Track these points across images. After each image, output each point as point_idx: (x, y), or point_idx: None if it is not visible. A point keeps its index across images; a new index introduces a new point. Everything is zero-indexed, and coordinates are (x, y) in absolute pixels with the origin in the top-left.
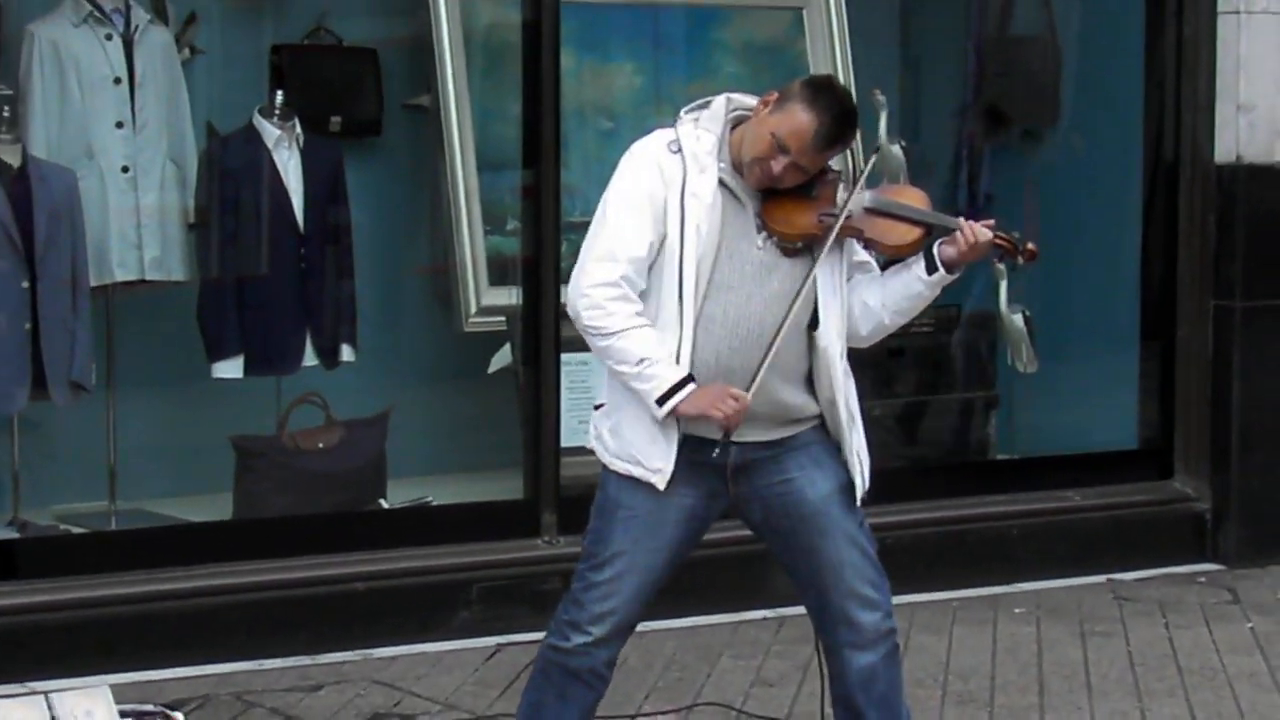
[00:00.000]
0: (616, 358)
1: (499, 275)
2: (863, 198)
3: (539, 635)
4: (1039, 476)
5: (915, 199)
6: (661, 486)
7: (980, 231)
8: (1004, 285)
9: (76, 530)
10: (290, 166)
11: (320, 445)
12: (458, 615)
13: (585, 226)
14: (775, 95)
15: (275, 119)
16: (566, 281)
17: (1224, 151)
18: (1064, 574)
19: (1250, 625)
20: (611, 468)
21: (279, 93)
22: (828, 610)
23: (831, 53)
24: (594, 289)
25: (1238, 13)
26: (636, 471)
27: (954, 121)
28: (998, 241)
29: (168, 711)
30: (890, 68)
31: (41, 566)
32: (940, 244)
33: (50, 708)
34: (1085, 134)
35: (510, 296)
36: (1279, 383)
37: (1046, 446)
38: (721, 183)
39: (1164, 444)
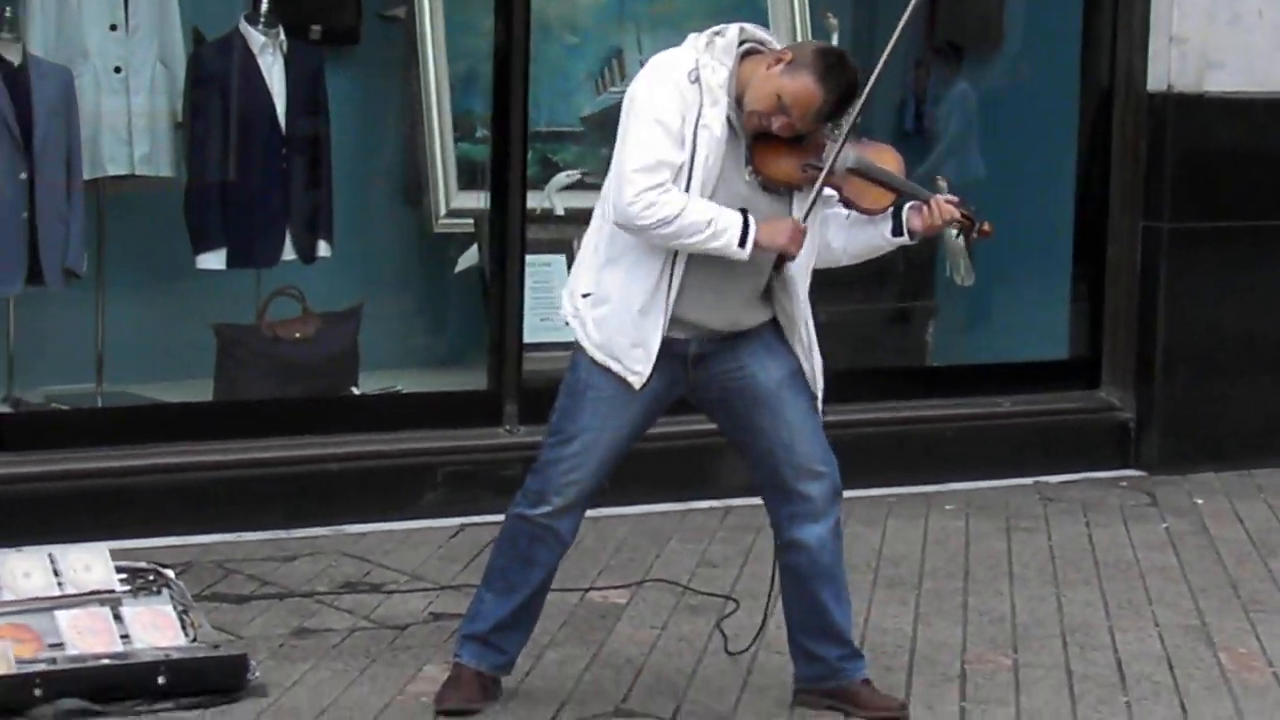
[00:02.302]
0: (687, 234)
1: (468, 180)
2: (846, 157)
3: (500, 517)
4: (973, 383)
5: (892, 163)
6: (638, 387)
7: (946, 209)
8: None
9: (66, 408)
10: (274, 72)
11: (296, 335)
12: (424, 496)
13: (550, 136)
14: (789, 55)
15: (260, 26)
16: (533, 187)
17: (1156, 81)
18: (993, 475)
19: (1165, 526)
20: (590, 355)
21: (264, 0)
22: (780, 485)
23: None
24: (641, 194)
25: None
26: (615, 367)
27: (901, 46)
28: (959, 218)
29: (159, 568)
30: None
31: (35, 440)
32: (908, 209)
33: (53, 561)
34: (1025, 61)
35: (478, 200)
36: (1203, 301)
37: (981, 355)
38: (727, 117)
39: (1092, 356)
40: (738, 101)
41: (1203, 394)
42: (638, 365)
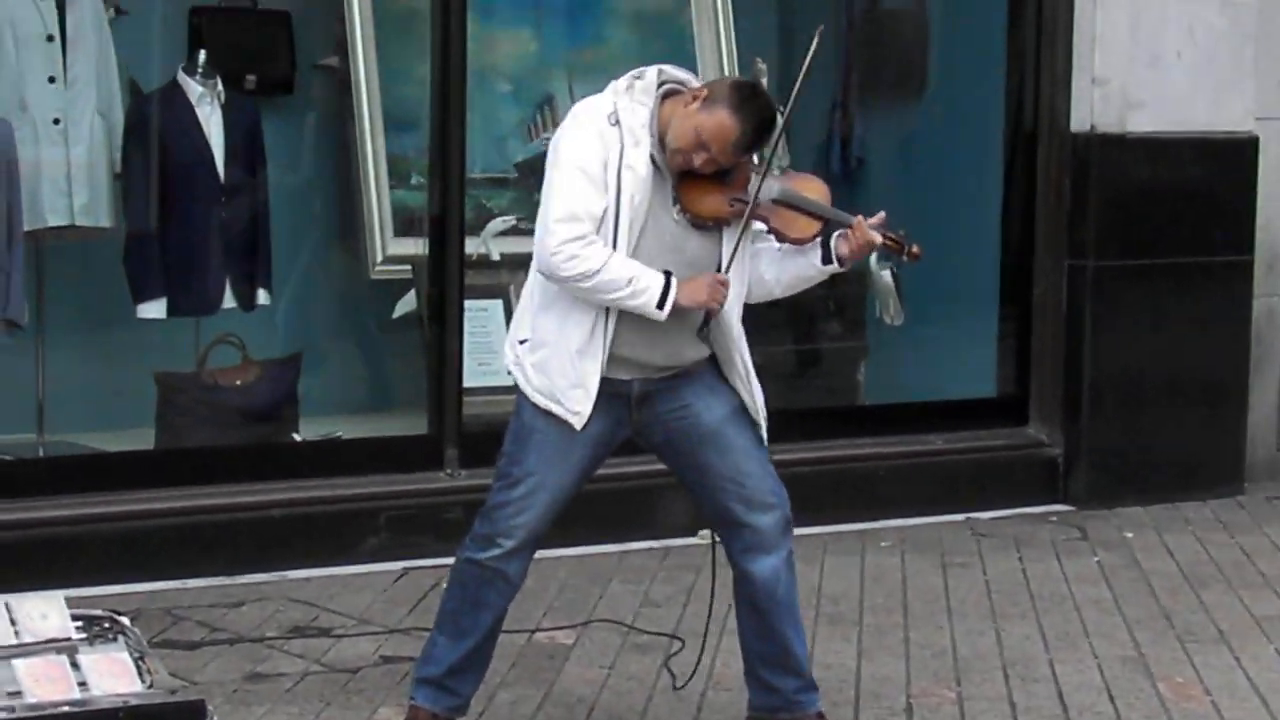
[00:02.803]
0: (607, 290)
1: (404, 227)
2: (771, 188)
3: (442, 560)
4: (905, 422)
5: (818, 192)
6: (579, 427)
7: (870, 233)
8: None
9: (9, 458)
10: (212, 122)
11: (237, 382)
12: (366, 541)
13: (484, 182)
14: (705, 91)
15: (199, 77)
16: (471, 233)
17: (1079, 121)
18: (926, 512)
19: (1097, 559)
20: (532, 400)
21: (202, 52)
22: (732, 519)
23: (716, 23)
24: (564, 245)
25: None
26: (556, 410)
27: (830, 88)
28: (886, 242)
29: (115, 616)
30: (770, 37)
31: None
32: (836, 237)
33: (9, 610)
34: (951, 102)
35: (415, 246)
36: (1127, 338)
37: (912, 394)
38: (651, 156)
39: (1020, 394)
40: (661, 141)
41: (1129, 429)
42: (577, 405)
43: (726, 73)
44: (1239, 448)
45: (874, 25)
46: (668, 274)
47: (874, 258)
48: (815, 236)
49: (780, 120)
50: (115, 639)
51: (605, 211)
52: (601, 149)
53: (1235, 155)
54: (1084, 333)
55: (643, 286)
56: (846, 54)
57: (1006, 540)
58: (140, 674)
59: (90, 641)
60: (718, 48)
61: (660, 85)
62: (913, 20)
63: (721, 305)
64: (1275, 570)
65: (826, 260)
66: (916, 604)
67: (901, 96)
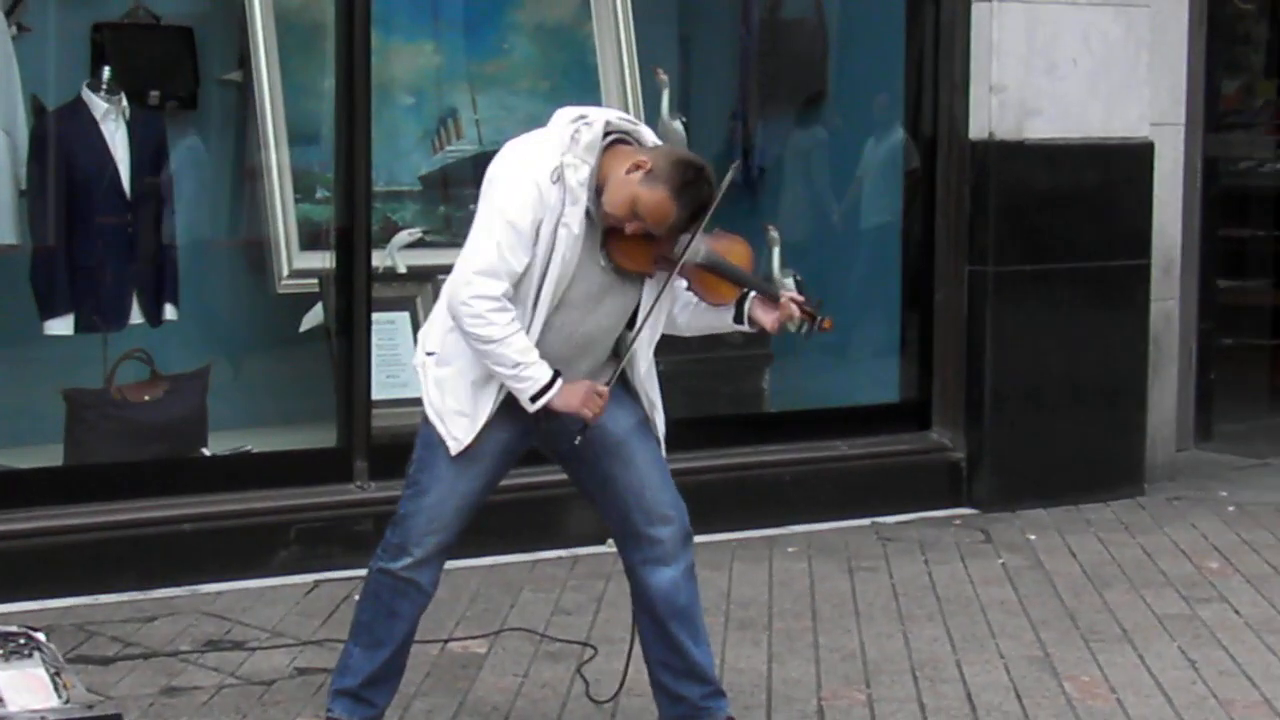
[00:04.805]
0: (494, 360)
1: (309, 241)
2: (698, 251)
3: (353, 572)
4: (809, 428)
5: (742, 258)
6: (454, 453)
7: (790, 309)
8: (776, 251)
9: None
10: (118, 138)
11: (146, 398)
12: (277, 554)
13: (389, 195)
14: (647, 164)
15: (103, 93)
16: (378, 246)
17: (978, 129)
18: (832, 517)
19: (1001, 561)
20: (428, 414)
21: (105, 68)
22: (631, 530)
23: (616, 34)
24: (477, 300)
25: (990, 0)
26: (439, 428)
27: (730, 98)
28: (800, 315)
29: (30, 631)
30: (671, 47)
31: None
32: (753, 300)
33: None
34: (850, 111)
35: (321, 260)
36: (1028, 342)
37: (816, 400)
38: (587, 211)
39: (922, 399)
40: (597, 193)
41: (1030, 432)
42: (459, 433)
43: (628, 86)
44: (1139, 449)
45: (774, 34)
46: (556, 373)
47: (777, 266)
48: (733, 300)
49: (715, 201)
50: (30, 655)
51: (532, 266)
52: (539, 207)
53: (1132, 161)
54: (985, 337)
55: (527, 375)
56: (745, 63)
57: (912, 544)
58: (57, 689)
59: (5, 658)
60: (619, 58)
61: (606, 136)
62: (811, 29)
63: (595, 416)
64: (1177, 570)
65: (738, 319)
66: (825, 608)
67: (801, 105)
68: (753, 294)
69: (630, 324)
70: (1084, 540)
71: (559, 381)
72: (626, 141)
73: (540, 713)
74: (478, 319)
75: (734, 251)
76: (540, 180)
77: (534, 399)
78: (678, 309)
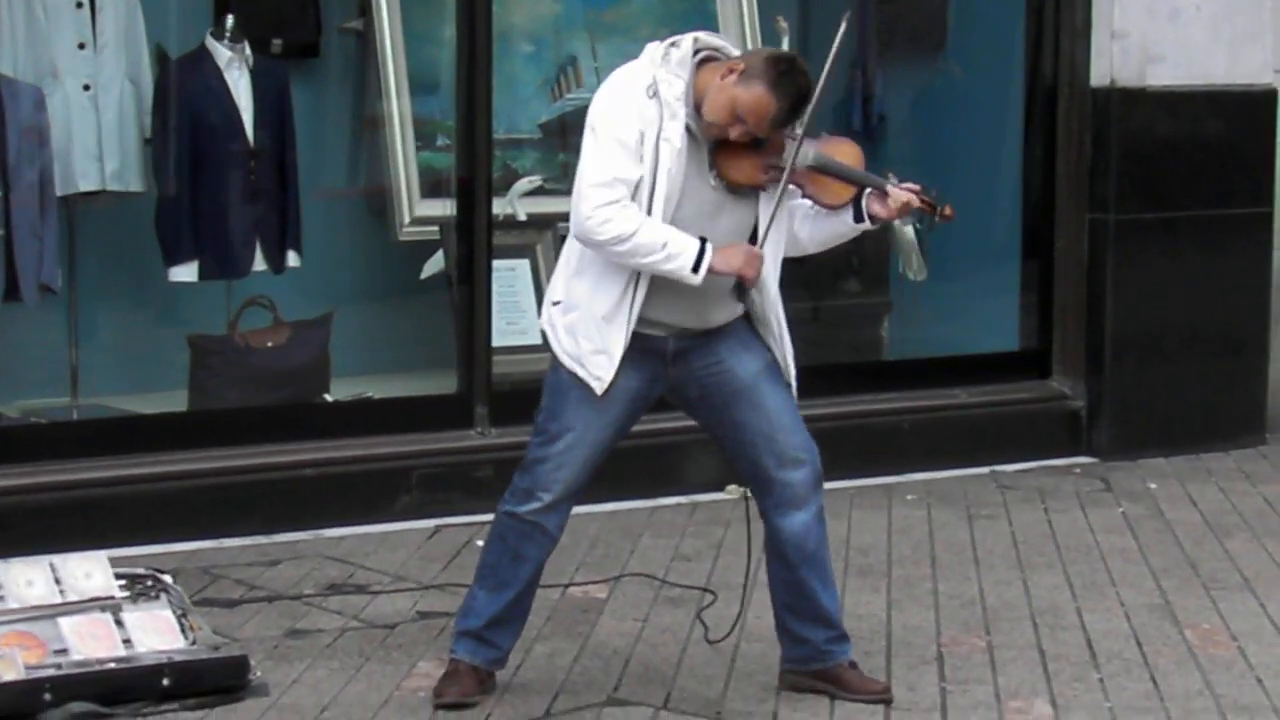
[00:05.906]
0: (642, 253)
1: (430, 188)
2: (806, 154)
3: (474, 518)
4: (928, 376)
5: (851, 156)
6: (599, 392)
7: (905, 195)
8: None
9: (44, 421)
10: (241, 86)
11: (269, 344)
12: (399, 499)
13: (509, 143)
14: (741, 65)
15: (226, 41)
16: (498, 193)
17: (1099, 76)
18: (951, 465)
19: (1121, 510)
20: (561, 362)
21: (229, 17)
22: (763, 475)
23: None
24: (598, 209)
25: None
26: (580, 373)
27: (850, 45)
28: (919, 204)
29: (157, 574)
30: None
31: (12, 453)
32: (869, 196)
33: (54, 570)
34: (971, 58)
35: (442, 208)
36: (1148, 290)
37: (935, 349)
38: (687, 127)
39: (1042, 347)
40: (696, 109)
41: (1150, 381)
42: (600, 371)
43: (748, 32)
44: (1260, 399)
45: None
46: (703, 240)
47: None
48: (849, 202)
49: (815, 93)
50: (158, 597)
51: (641, 182)
52: (639, 122)
53: (1254, 108)
54: (1105, 286)
55: (677, 250)
56: (866, 11)
57: (1031, 492)
58: (183, 630)
59: (134, 599)
60: (739, 4)
61: (696, 54)
62: None
63: (756, 276)
64: None
65: (859, 219)
66: (944, 555)
67: (921, 52)
68: (869, 191)
69: (751, 242)
70: (1204, 489)
71: (709, 246)
72: (716, 58)
73: (660, 657)
74: (606, 223)
75: (842, 150)
76: (636, 94)
77: (695, 270)
78: (796, 224)
